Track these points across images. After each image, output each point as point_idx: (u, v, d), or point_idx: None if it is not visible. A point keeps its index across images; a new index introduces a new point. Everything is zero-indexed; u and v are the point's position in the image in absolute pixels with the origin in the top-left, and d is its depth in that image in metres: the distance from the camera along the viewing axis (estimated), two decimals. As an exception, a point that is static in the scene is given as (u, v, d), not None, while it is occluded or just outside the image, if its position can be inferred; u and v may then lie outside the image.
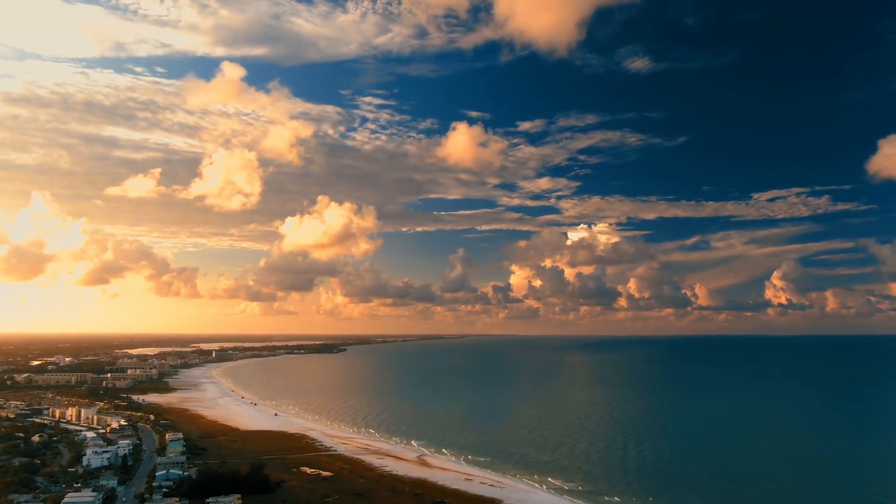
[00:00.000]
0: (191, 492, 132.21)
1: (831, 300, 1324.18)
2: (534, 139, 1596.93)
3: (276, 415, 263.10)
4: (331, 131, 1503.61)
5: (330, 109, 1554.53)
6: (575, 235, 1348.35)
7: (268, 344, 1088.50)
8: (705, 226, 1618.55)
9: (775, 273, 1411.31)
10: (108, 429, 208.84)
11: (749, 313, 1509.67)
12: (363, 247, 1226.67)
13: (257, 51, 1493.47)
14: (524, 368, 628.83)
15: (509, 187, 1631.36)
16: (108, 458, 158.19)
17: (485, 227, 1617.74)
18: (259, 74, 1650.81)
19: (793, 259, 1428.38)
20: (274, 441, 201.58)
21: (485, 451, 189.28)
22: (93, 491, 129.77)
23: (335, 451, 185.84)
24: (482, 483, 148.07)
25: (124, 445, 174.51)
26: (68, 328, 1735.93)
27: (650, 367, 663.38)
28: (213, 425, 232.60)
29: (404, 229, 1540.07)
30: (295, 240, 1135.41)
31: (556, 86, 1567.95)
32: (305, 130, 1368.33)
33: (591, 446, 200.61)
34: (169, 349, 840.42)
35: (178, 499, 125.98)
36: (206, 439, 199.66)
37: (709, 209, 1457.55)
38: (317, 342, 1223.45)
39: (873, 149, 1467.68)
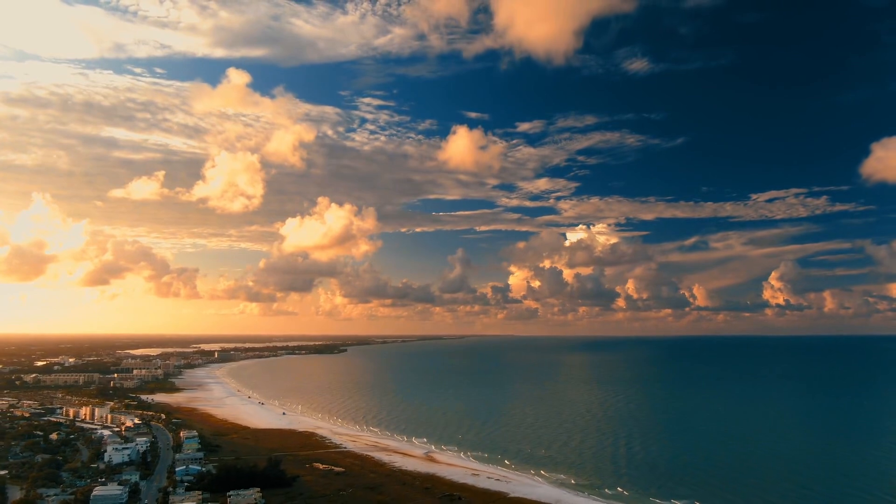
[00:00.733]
0: (211, 486, 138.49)
1: (829, 301, 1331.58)
2: (533, 140, 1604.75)
3: (283, 414, 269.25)
4: (330, 132, 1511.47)
5: (329, 110, 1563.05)
6: (574, 236, 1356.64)
7: (269, 344, 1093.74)
8: (704, 226, 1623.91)
9: (773, 273, 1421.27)
10: (122, 427, 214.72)
11: (747, 314, 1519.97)
12: (363, 248, 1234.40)
13: (257, 52, 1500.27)
14: (523, 368, 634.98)
15: (508, 188, 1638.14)
16: (128, 455, 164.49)
17: (484, 228, 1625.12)
18: (258, 75, 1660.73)
19: (791, 259, 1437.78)
20: (284, 439, 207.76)
21: (487, 448, 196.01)
22: (118, 485, 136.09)
23: (344, 448, 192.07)
24: (488, 478, 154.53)
25: (142, 443, 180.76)
26: (67, 329, 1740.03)
27: (648, 367, 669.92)
28: (224, 424, 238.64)
29: (403, 230, 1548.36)
30: (295, 241, 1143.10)
31: (555, 87, 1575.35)
32: (308, 134, 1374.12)
33: (589, 442, 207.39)
34: (170, 350, 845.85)
35: (200, 492, 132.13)
36: (218, 437, 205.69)
37: (707, 210, 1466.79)
38: (316, 343, 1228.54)
39: (870, 150, 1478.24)
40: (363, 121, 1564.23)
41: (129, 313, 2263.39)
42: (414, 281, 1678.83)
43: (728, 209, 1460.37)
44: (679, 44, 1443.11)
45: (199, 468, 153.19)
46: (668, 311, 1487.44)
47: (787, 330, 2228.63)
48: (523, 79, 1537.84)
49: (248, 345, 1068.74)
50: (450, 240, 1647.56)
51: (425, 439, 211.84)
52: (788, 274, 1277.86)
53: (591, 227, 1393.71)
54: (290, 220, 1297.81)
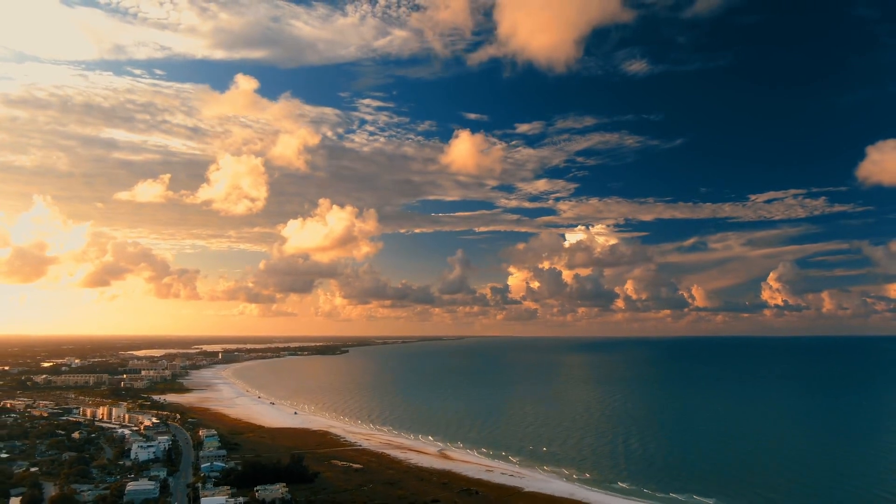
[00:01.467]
0: (237, 481, 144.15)
1: (828, 301, 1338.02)
2: (532, 141, 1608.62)
3: (295, 413, 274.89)
4: (329, 133, 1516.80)
5: (328, 111, 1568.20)
6: (573, 237, 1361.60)
7: (271, 345, 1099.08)
8: (703, 227, 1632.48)
9: (772, 274, 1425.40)
10: (141, 426, 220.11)
11: (746, 314, 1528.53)
12: (364, 249, 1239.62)
13: (256, 54, 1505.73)
14: (524, 368, 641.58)
15: (507, 189, 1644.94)
16: (153, 452, 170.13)
17: (483, 229, 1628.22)
18: (258, 77, 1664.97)
19: (790, 260, 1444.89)
20: (300, 437, 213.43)
21: (494, 445, 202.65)
22: (148, 481, 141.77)
23: (360, 446, 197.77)
24: (502, 473, 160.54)
25: (163, 441, 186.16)
26: (67, 330, 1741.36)
27: (647, 367, 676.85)
28: (238, 423, 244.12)
29: (402, 231, 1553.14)
30: (297, 242, 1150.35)
31: (554, 88, 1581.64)
32: (313, 138, 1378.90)
33: (592, 440, 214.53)
34: (174, 351, 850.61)
35: (228, 487, 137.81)
36: (235, 436, 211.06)
37: (706, 210, 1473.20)
38: (317, 343, 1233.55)
39: (872, 143, 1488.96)
40: (363, 122, 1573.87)
41: (129, 314, 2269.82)
42: (413, 282, 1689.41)
43: (727, 210, 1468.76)
44: (679, 42, 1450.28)
45: (223, 465, 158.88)
46: (667, 311, 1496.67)
47: (785, 330, 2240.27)
48: (523, 82, 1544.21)
49: (250, 346, 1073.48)
50: (449, 241, 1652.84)
51: (434, 437, 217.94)
52: (787, 274, 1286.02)
53: (591, 227, 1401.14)
54: (291, 222, 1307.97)
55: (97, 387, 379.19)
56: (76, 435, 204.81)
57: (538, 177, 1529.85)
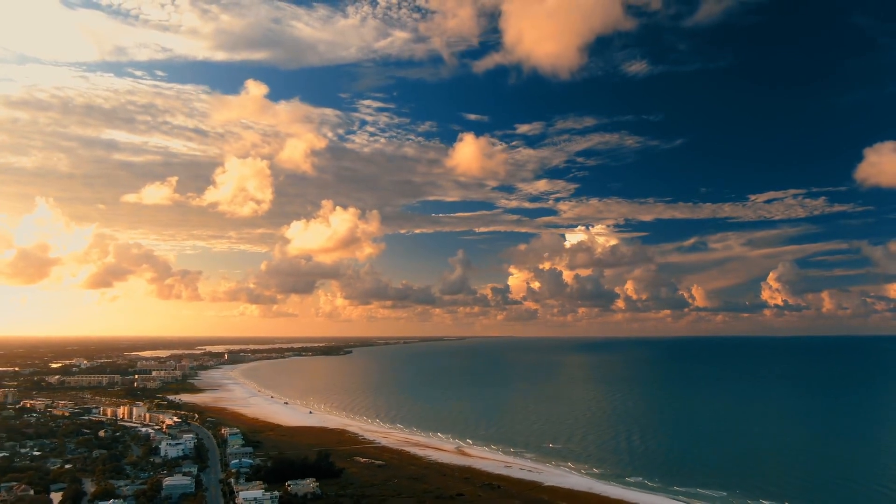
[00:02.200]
0: (268, 476, 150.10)
1: (827, 301, 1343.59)
2: (532, 142, 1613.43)
3: (310, 413, 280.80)
4: (330, 134, 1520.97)
5: (329, 112, 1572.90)
6: (573, 237, 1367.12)
7: (276, 346, 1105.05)
8: (703, 227, 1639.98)
9: (772, 274, 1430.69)
10: (164, 425, 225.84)
11: (746, 314, 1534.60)
12: (367, 250, 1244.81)
13: (257, 55, 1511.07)
14: (526, 368, 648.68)
15: (507, 189, 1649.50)
16: (182, 450, 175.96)
17: (483, 229, 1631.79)
18: (259, 78, 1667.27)
19: (789, 260, 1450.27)
20: (319, 436, 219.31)
21: (508, 442, 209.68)
22: (183, 476, 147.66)
23: (379, 443, 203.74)
24: (520, 469, 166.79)
25: (189, 439, 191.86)
26: (69, 331, 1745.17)
27: (648, 367, 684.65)
28: (256, 422, 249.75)
29: (402, 231, 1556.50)
30: (300, 243, 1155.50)
31: (555, 89, 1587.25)
32: (319, 142, 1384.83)
33: (601, 437, 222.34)
34: (178, 351, 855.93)
35: (260, 482, 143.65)
36: (255, 434, 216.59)
37: (706, 211, 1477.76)
38: (319, 344, 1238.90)
39: (870, 145, 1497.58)
40: (363, 123, 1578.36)
41: (130, 315, 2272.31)
42: (413, 282, 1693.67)
43: (727, 210, 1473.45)
44: (679, 42, 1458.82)
45: (252, 461, 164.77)
46: (667, 311, 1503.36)
47: (785, 330, 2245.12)
48: (527, 87, 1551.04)
49: (253, 346, 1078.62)
50: (449, 241, 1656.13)
51: (448, 435, 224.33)
52: (787, 274, 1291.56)
53: (591, 228, 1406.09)
54: (295, 223, 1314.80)
55: (110, 387, 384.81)
56: (102, 433, 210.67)
57: (538, 177, 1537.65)
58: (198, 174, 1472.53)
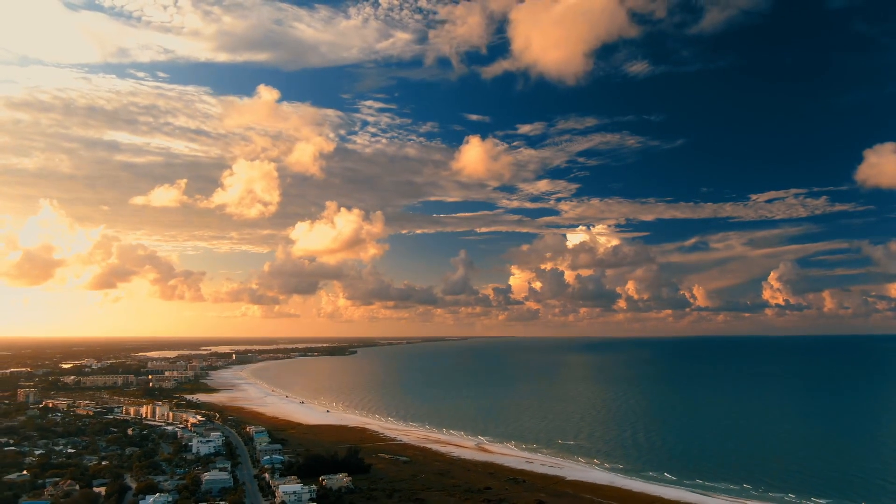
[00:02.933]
0: (300, 472, 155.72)
1: (829, 300, 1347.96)
2: (533, 142, 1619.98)
3: (327, 412, 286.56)
4: (331, 135, 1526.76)
5: (331, 113, 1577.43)
6: (574, 237, 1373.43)
7: (280, 346, 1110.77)
8: (704, 227, 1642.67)
9: (773, 274, 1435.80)
10: (188, 424, 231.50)
11: (747, 314, 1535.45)
12: (371, 251, 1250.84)
13: (259, 56, 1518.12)
14: (531, 368, 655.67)
15: (509, 190, 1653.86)
16: (213, 447, 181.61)
17: (484, 230, 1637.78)
18: (261, 79, 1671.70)
19: (791, 260, 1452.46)
20: (340, 433, 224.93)
21: (523, 439, 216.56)
22: (219, 471, 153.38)
23: (400, 440, 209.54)
24: (542, 464, 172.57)
25: (217, 437, 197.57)
26: (70, 332, 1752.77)
27: (652, 366, 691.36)
28: (276, 420, 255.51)
29: (404, 231, 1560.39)
30: (304, 244, 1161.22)
31: (556, 89, 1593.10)
32: (328, 145, 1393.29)
33: (613, 433, 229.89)
34: (185, 352, 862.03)
35: (295, 477, 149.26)
36: (278, 432, 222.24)
37: (707, 210, 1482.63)
38: (323, 344, 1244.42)
39: (870, 146, 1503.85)
40: (365, 123, 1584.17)
41: (132, 316, 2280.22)
42: (414, 282, 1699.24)
43: (728, 210, 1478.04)
44: (681, 42, 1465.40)
45: (282, 458, 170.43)
46: (669, 311, 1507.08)
47: (786, 330, 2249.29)
48: (532, 90, 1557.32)
49: (257, 347, 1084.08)
50: (450, 241, 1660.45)
51: (464, 432, 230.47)
52: (788, 274, 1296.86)
53: (592, 228, 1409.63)
54: (299, 224, 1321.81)
55: (125, 387, 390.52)
56: (130, 432, 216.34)
57: (539, 177, 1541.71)
58: (199, 175, 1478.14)
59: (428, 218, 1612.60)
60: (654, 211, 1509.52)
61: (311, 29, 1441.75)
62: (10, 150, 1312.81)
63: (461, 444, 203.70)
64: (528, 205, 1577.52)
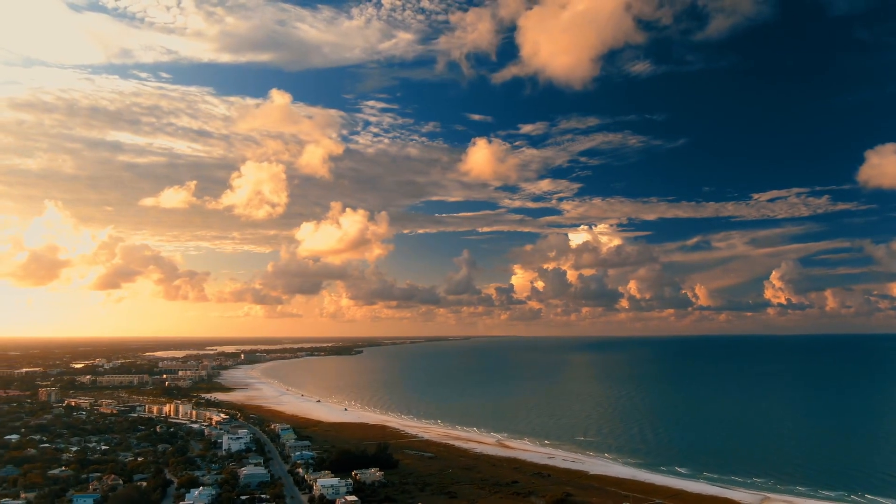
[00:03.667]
0: (332, 467, 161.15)
1: (831, 300, 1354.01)
2: (535, 142, 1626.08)
3: (345, 410, 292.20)
4: (334, 135, 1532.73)
5: (333, 113, 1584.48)
6: (576, 237, 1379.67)
7: (286, 346, 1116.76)
8: (706, 226, 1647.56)
9: (775, 273, 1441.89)
10: (213, 421, 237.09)
11: (749, 313, 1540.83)
12: (376, 251, 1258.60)
13: (262, 57, 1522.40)
14: (538, 367, 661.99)
15: (511, 189, 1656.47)
16: (243, 444, 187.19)
17: (486, 229, 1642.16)
18: (263, 80, 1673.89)
19: (793, 259, 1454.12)
20: (362, 431, 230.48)
21: (540, 435, 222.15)
22: (255, 466, 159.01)
23: (422, 437, 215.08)
24: (564, 459, 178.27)
25: (245, 434, 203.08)
26: (74, 332, 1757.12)
27: (655, 365, 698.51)
28: (297, 418, 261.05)
29: (406, 231, 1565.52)
30: (309, 245, 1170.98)
31: (558, 89, 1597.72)
32: (337, 148, 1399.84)
33: (626, 430, 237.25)
34: (192, 352, 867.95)
35: (328, 472, 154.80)
36: (302, 430, 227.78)
37: (709, 210, 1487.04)
38: (328, 344, 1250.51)
39: (871, 147, 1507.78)
40: (367, 123, 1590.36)
41: (135, 316, 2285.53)
42: (416, 282, 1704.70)
43: (730, 209, 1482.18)
44: (683, 42, 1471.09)
45: (312, 454, 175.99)
46: (671, 311, 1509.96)
47: (788, 329, 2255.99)
48: (538, 92, 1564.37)
49: (263, 347, 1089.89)
50: (452, 241, 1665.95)
51: (481, 429, 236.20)
52: (790, 273, 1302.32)
53: (594, 227, 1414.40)
54: (305, 225, 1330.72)
55: (141, 386, 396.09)
56: (158, 429, 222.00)
57: (542, 177, 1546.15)
58: (201, 175, 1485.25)
59: (430, 218, 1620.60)
60: (656, 210, 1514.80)
61: (313, 29, 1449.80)
62: (13, 151, 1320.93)
63: (482, 441, 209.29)
64: (531, 204, 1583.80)
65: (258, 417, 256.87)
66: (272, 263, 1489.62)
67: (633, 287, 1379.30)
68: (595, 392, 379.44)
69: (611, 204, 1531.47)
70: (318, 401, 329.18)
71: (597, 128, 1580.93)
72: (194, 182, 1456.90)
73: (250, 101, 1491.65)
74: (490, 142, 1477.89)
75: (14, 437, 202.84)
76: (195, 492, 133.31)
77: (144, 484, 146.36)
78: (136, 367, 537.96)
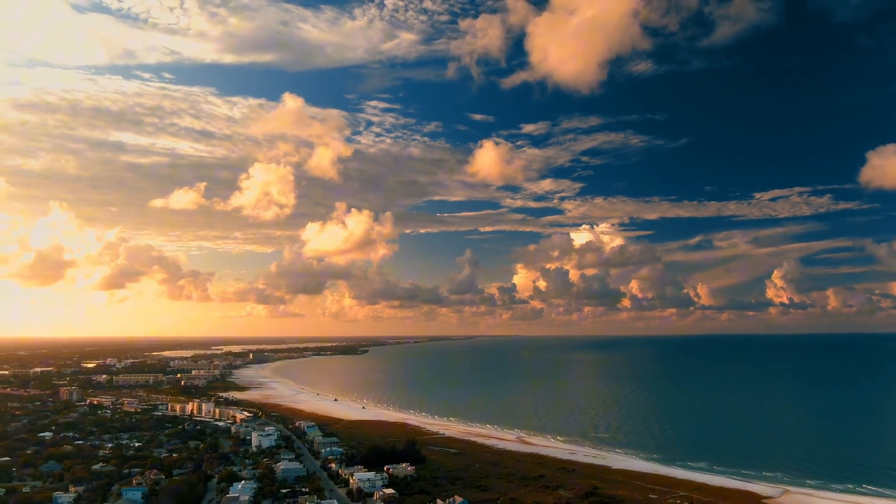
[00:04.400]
0: (363, 462, 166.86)
1: (833, 299, 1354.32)
2: (537, 141, 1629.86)
3: (363, 408, 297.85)
4: (336, 135, 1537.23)
5: (335, 113, 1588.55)
6: (578, 236, 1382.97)
7: (290, 346, 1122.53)
8: (708, 226, 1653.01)
9: (776, 272, 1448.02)
10: (236, 419, 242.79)
11: (751, 312, 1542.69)
12: (381, 251, 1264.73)
13: (265, 57, 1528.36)
14: (543, 366, 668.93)
15: (513, 189, 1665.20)
16: (273, 440, 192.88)
17: (488, 229, 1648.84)
18: (266, 80, 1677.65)
19: (794, 258, 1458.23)
20: (383, 428, 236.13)
21: (556, 432, 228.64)
22: (290, 461, 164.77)
23: (443, 434, 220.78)
24: (585, 455, 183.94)
25: (273, 431, 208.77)
26: (77, 332, 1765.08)
27: (659, 364, 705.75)
28: (317, 416, 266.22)
29: (407, 231, 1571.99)
30: (315, 245, 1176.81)
31: (565, 93, 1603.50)
32: (346, 150, 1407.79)
33: (639, 426, 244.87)
34: (199, 351, 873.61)
35: (361, 466, 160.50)
36: (324, 427, 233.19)
37: (711, 209, 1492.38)
38: (333, 343, 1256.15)
39: (873, 148, 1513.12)
40: (369, 123, 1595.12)
41: (139, 316, 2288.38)
42: (418, 281, 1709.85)
43: (731, 208, 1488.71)
44: (685, 42, 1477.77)
45: (341, 450, 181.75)
46: (673, 310, 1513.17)
47: (790, 328, 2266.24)
48: (545, 96, 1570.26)
49: (269, 346, 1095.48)
50: (454, 241, 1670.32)
51: (498, 426, 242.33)
52: (792, 272, 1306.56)
53: (595, 227, 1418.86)
54: (310, 225, 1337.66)
55: (157, 385, 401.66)
56: (185, 427, 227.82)
57: (543, 176, 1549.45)
58: (203, 175, 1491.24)
59: (432, 217, 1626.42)
60: (658, 210, 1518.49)
61: (316, 30, 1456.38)
62: (16, 152, 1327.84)
63: (502, 438, 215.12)
64: (532, 204, 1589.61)
65: (279, 416, 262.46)
66: (275, 263, 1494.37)
67: (634, 286, 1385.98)
68: (601, 390, 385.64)
69: (612, 203, 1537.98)
70: (336, 399, 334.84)
71: (599, 127, 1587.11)
72: (203, 184, 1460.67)
73: (253, 101, 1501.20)
74: (497, 144, 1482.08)
75: (47, 434, 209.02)
76: (238, 485, 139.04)
77: (184, 477, 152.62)
78: (147, 366, 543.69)
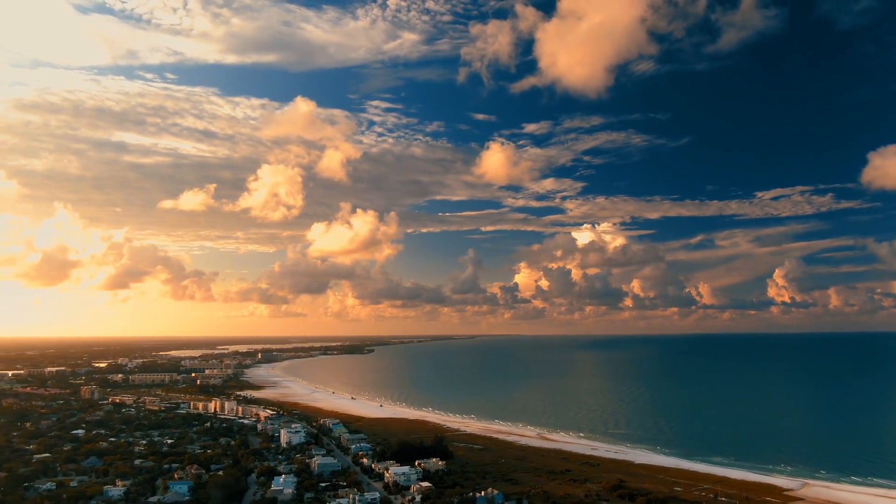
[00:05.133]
0: (394, 457, 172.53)
1: (834, 298, 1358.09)
2: (539, 141, 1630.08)
3: (380, 406, 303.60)
4: (338, 135, 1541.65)
5: (338, 113, 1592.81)
6: (579, 235, 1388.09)
7: (297, 345, 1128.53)
8: (709, 225, 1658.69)
9: (778, 271, 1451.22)
10: (260, 417, 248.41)
11: (753, 311, 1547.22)
12: (386, 251, 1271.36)
13: (268, 58, 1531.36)
14: (549, 365, 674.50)
15: (514, 188, 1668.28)
16: (302, 437, 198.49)
17: (489, 228, 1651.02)
18: (269, 81, 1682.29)
19: (796, 257, 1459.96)
20: (403, 425, 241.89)
21: (574, 429, 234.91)
22: (324, 457, 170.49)
23: (465, 431, 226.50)
24: (606, 451, 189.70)
25: (299, 427, 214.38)
26: (79, 332, 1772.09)
27: (663, 362, 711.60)
28: (337, 414, 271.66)
29: (409, 231, 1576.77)
30: (320, 245, 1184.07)
31: (573, 98, 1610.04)
32: (355, 152, 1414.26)
33: (653, 422, 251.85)
34: (206, 351, 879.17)
35: (393, 461, 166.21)
36: (347, 425, 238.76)
37: (712, 208, 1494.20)
38: (338, 343, 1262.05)
39: (874, 148, 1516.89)
40: (371, 123, 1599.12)
41: (143, 316, 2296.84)
42: (419, 281, 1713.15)
43: (733, 207, 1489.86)
44: (686, 42, 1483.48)
45: (369, 446, 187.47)
46: (674, 309, 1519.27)
47: (792, 327, 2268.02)
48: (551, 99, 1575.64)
49: (275, 346, 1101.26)
50: (455, 240, 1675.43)
51: (515, 423, 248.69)
52: (794, 271, 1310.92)
53: (597, 226, 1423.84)
54: (316, 225, 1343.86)
55: (173, 385, 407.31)
56: (212, 424, 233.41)
57: (545, 176, 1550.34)
58: (205, 175, 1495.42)
59: (433, 217, 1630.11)
60: (659, 209, 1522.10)
61: (318, 30, 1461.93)
62: (19, 152, 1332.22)
63: (523, 434, 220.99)
64: (534, 203, 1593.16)
65: (300, 413, 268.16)
66: (279, 263, 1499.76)
67: (636, 286, 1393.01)
68: (610, 388, 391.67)
69: (614, 203, 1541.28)
70: (353, 398, 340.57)
71: (600, 127, 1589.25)
72: (214, 185, 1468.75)
73: (255, 101, 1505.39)
74: (503, 145, 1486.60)
75: (80, 431, 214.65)
76: (280, 479, 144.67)
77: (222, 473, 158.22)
78: (160, 366, 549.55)
